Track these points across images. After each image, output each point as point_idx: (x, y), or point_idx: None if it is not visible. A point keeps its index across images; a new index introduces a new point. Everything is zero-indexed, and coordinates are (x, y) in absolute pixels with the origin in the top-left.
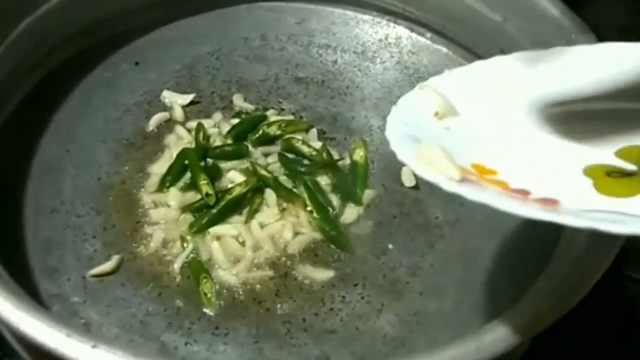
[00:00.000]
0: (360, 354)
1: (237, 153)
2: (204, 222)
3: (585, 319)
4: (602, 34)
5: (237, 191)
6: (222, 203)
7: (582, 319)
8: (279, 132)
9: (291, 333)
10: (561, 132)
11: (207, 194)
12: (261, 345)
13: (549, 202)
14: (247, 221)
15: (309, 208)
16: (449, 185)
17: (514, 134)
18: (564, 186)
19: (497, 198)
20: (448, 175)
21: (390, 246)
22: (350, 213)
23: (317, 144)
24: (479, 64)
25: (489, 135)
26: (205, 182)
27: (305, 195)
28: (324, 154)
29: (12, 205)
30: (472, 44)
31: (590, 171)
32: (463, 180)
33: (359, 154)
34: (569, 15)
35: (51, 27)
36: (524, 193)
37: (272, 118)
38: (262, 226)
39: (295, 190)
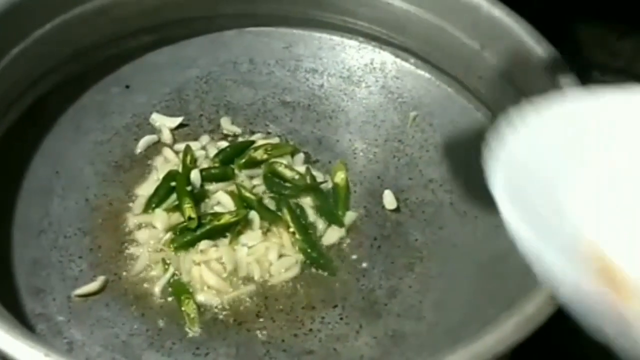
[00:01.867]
0: None
1: (224, 175)
2: (185, 240)
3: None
4: (594, 59)
5: (225, 219)
6: (208, 227)
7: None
8: (265, 157)
9: (270, 354)
10: None
11: (190, 218)
12: None
13: None
14: (232, 243)
15: (291, 230)
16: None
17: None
18: None
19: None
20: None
21: (370, 268)
22: (332, 235)
23: (302, 168)
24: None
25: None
26: (189, 205)
27: (288, 217)
28: (307, 177)
29: (1, 226)
30: (453, 70)
31: None
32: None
33: (339, 177)
34: (543, 44)
35: (43, 52)
36: None
37: (259, 142)
38: (246, 247)
39: (278, 212)
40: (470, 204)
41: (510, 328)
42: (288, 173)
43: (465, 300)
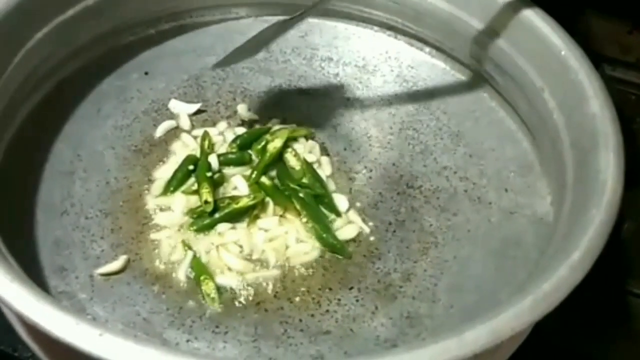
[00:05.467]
0: (354, 353)
1: (241, 160)
2: (204, 223)
3: (588, 335)
4: (604, 51)
5: (243, 202)
6: (227, 211)
7: (584, 334)
8: (278, 144)
9: (288, 333)
10: None
11: (206, 202)
12: (259, 344)
13: None
14: (249, 226)
15: (304, 218)
16: None
17: None
18: None
19: None
20: None
21: (385, 252)
22: (344, 220)
23: (311, 156)
24: None
25: None
26: (206, 190)
27: (298, 206)
28: (305, 170)
29: (25, 206)
30: (468, 59)
31: None
32: None
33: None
34: (560, 32)
35: (64, 38)
36: None
37: (275, 127)
38: (264, 231)
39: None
40: (483, 191)
41: (527, 305)
42: (292, 161)
43: (479, 283)
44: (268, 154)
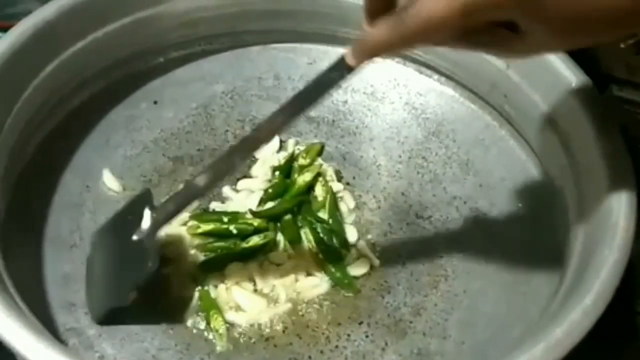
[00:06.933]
0: None
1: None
2: (214, 263)
3: (596, 356)
4: (612, 72)
5: (254, 241)
6: (237, 250)
7: (592, 354)
8: (306, 161)
9: None
10: None
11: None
12: None
13: None
14: (261, 262)
15: (315, 250)
16: None
17: None
18: None
19: None
20: None
21: (394, 285)
22: (355, 254)
23: (336, 185)
24: None
25: None
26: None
27: (311, 238)
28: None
29: (33, 240)
30: (478, 88)
31: None
32: None
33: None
34: (569, 64)
35: (74, 68)
36: None
37: (290, 148)
38: (275, 266)
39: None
40: (494, 222)
41: (540, 351)
42: (318, 191)
43: (490, 319)
44: (297, 187)
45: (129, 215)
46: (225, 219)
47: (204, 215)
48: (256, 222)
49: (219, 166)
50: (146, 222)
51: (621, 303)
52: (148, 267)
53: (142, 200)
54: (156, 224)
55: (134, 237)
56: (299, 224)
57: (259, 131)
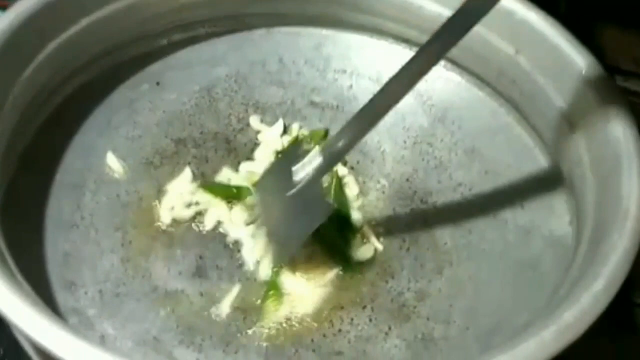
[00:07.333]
0: None
1: None
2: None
3: (594, 347)
4: (617, 63)
5: None
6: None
7: (590, 347)
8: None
9: (299, 353)
10: None
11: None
12: None
13: None
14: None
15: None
16: None
17: None
18: None
19: None
20: None
21: (398, 270)
22: (360, 239)
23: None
24: None
25: None
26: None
27: None
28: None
29: (34, 220)
30: (485, 74)
31: None
32: None
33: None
34: (581, 50)
35: (75, 49)
36: None
37: (294, 132)
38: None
39: None
40: (499, 209)
41: (550, 336)
42: None
43: (495, 306)
44: None
45: (285, 166)
46: (235, 190)
47: (214, 186)
48: None
49: (380, 99)
50: (310, 166)
51: (618, 294)
52: (325, 210)
53: (295, 150)
54: (321, 168)
55: (299, 186)
56: None
57: (415, 62)
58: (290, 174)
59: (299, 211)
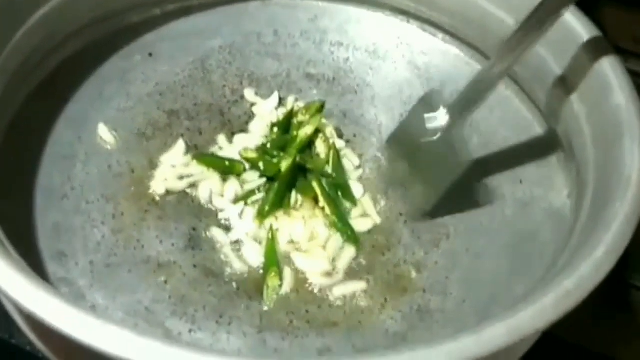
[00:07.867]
0: (362, 347)
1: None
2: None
3: (589, 328)
4: (617, 43)
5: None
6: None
7: (585, 327)
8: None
9: (294, 324)
10: None
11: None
12: (264, 336)
13: None
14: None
15: (321, 204)
16: None
17: None
18: None
19: None
20: None
21: (395, 243)
22: (359, 210)
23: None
24: None
25: None
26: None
27: (318, 191)
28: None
29: (24, 191)
30: (484, 46)
31: None
32: None
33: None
34: (583, 21)
35: (66, 16)
36: None
37: (289, 105)
38: (275, 218)
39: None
40: (497, 182)
41: (550, 303)
42: (320, 148)
43: (492, 278)
44: (298, 140)
45: (418, 117)
46: (227, 163)
47: (206, 157)
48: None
49: (509, 46)
50: (443, 119)
51: (613, 275)
52: (464, 160)
53: (430, 99)
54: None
55: (436, 135)
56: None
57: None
58: (423, 121)
59: (439, 158)
